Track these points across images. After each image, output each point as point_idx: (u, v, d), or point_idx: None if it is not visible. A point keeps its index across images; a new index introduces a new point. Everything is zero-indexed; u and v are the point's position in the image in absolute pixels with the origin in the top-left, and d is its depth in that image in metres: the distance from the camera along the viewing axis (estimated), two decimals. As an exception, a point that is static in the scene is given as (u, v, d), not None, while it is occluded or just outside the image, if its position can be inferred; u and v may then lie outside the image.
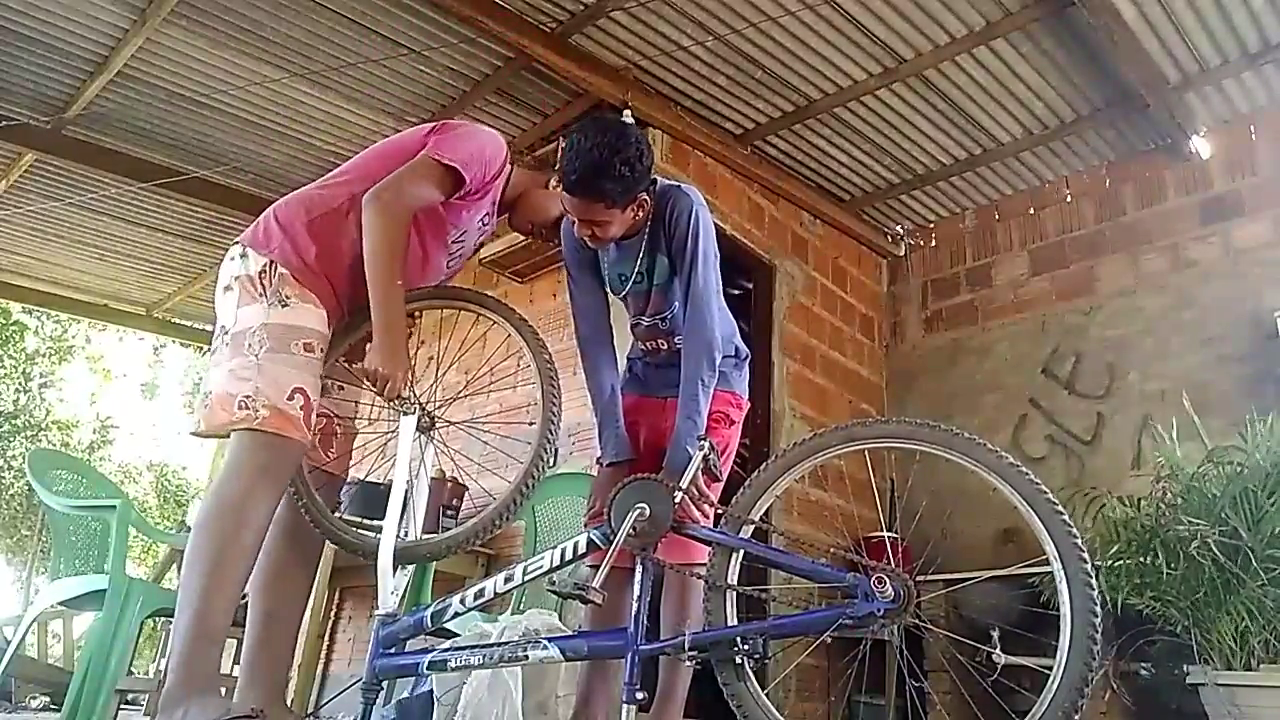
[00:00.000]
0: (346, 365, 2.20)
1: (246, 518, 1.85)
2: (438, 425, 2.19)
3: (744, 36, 4.28)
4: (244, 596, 2.00)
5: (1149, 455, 4.29)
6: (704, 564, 1.87)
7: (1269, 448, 3.17)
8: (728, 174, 5.06)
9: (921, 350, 5.73)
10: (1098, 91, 4.63)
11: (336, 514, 2.26)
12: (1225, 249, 4.68)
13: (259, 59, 4.58)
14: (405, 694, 2.63)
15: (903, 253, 6.00)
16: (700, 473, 1.90)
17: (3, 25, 4.44)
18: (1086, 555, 1.55)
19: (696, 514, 1.92)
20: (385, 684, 2.44)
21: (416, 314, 2.27)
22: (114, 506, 3.02)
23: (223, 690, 1.90)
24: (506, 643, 1.94)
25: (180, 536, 5.10)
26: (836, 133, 5.05)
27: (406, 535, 2.13)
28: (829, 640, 1.70)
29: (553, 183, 2.28)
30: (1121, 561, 3.24)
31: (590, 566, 1.96)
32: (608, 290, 2.30)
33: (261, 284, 2.01)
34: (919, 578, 1.80)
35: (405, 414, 2.07)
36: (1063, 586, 1.54)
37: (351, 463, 2.36)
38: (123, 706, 3.28)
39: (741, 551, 1.84)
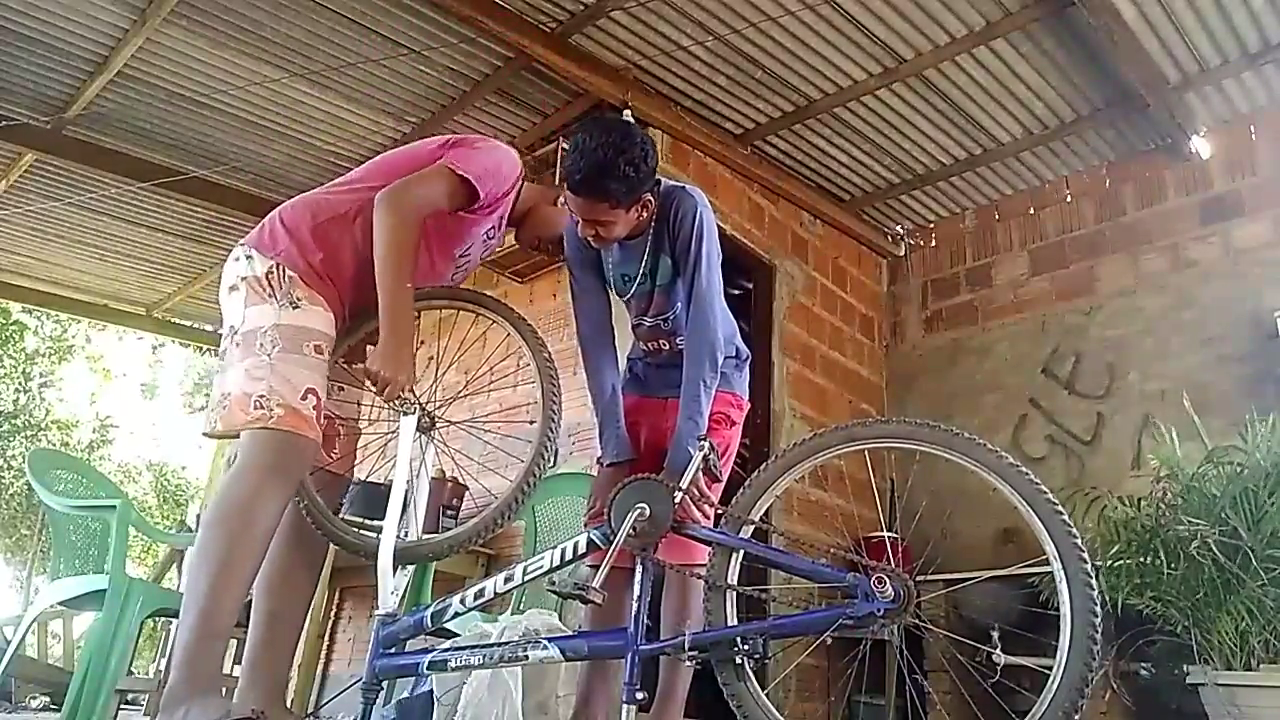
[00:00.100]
0: (347, 366, 2.21)
1: (256, 517, 1.84)
2: (438, 425, 2.19)
3: (744, 36, 4.28)
4: (247, 597, 2.00)
5: (1149, 455, 4.29)
6: (704, 564, 1.87)
7: (1269, 448, 3.17)
8: (728, 174, 5.06)
9: (921, 350, 5.73)
10: (1098, 91, 4.63)
11: (338, 515, 2.25)
12: (1225, 249, 4.68)
13: (259, 59, 4.58)
14: (405, 694, 2.63)
15: (903, 253, 6.00)
16: (700, 473, 1.90)
17: (3, 25, 4.44)
18: (1086, 555, 1.55)
19: (697, 514, 1.92)
20: (385, 684, 2.44)
21: (416, 314, 2.27)
22: (114, 506, 3.02)
23: (223, 690, 1.90)
24: (506, 643, 1.94)
25: (180, 536, 5.12)
26: (836, 133, 5.05)
27: (407, 535, 2.13)
28: (829, 640, 1.70)
29: (561, 201, 2.29)
30: (1121, 561, 3.24)
31: (590, 566, 1.96)
32: (610, 291, 2.30)
33: (270, 285, 2.00)
34: (919, 578, 1.80)
35: (405, 414, 2.07)
36: (1063, 586, 1.54)
37: (353, 465, 2.35)
38: (123, 706, 3.28)
39: (741, 551, 1.84)
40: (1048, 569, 1.58)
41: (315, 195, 2.21)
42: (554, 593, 1.85)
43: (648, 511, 1.82)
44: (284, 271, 2.02)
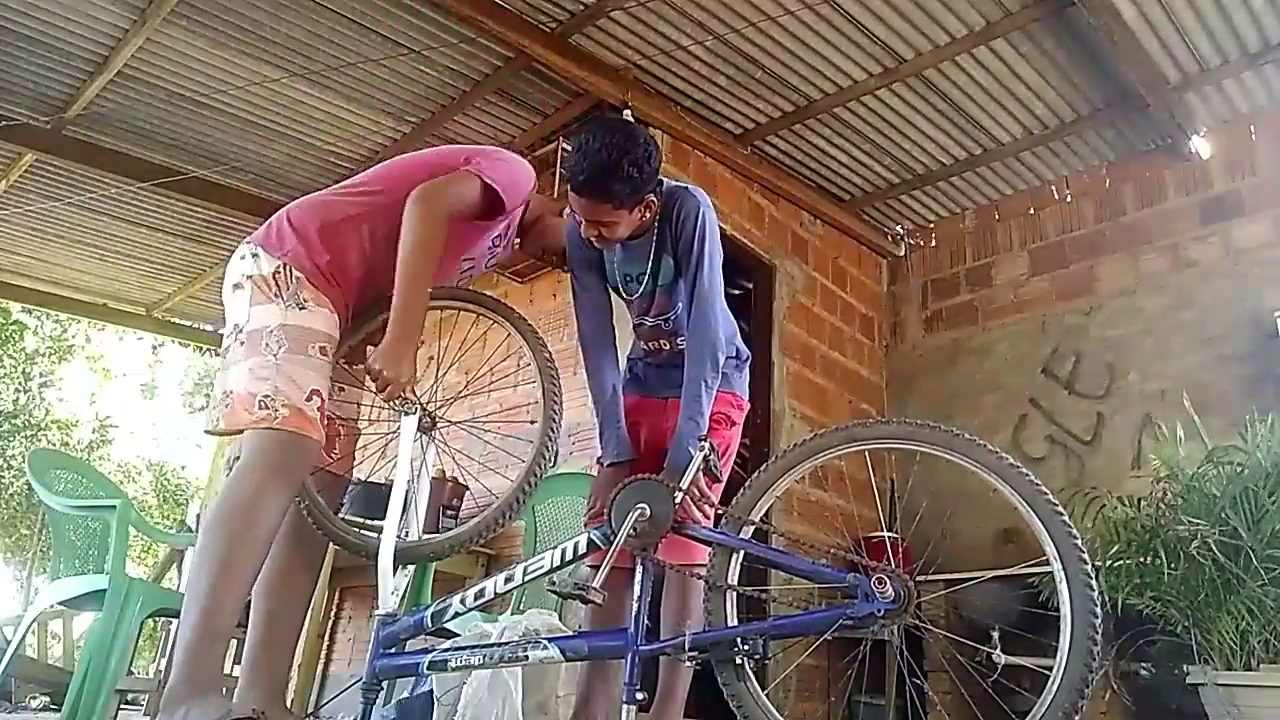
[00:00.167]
0: (347, 367, 2.21)
1: (258, 517, 1.84)
2: (439, 425, 2.19)
3: (744, 36, 4.28)
4: (249, 597, 2.00)
5: (1149, 455, 4.29)
6: (704, 564, 1.87)
7: (1269, 448, 3.17)
8: (728, 174, 5.06)
9: (921, 350, 5.73)
10: (1098, 91, 4.63)
11: (339, 515, 2.25)
12: (1225, 249, 4.68)
13: (259, 59, 4.58)
14: (405, 694, 2.63)
15: (903, 253, 6.00)
16: (701, 474, 1.90)
17: (3, 25, 4.44)
18: (1086, 556, 1.55)
19: (697, 514, 1.92)
20: (385, 684, 2.44)
21: None
22: (114, 506, 3.02)
23: (224, 690, 1.90)
24: (506, 643, 1.94)
25: (180, 536, 5.12)
26: (836, 133, 5.05)
27: (407, 535, 2.13)
28: (829, 640, 1.70)
29: (567, 212, 2.29)
30: (1122, 562, 3.24)
31: (590, 566, 1.96)
32: (611, 291, 2.29)
33: (276, 284, 2.00)
34: (919, 578, 1.80)
35: (406, 414, 2.07)
36: (1063, 587, 1.54)
37: (353, 466, 2.35)
38: (123, 706, 3.28)
39: (742, 552, 1.84)
40: (1048, 569, 1.58)
41: (324, 196, 2.20)
42: (554, 593, 1.85)
43: (648, 512, 1.82)
44: (291, 272, 2.01)
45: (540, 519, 3.57)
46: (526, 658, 1.86)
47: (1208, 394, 4.24)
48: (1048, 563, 1.58)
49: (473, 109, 4.93)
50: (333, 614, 5.28)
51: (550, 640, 1.87)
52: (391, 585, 2.02)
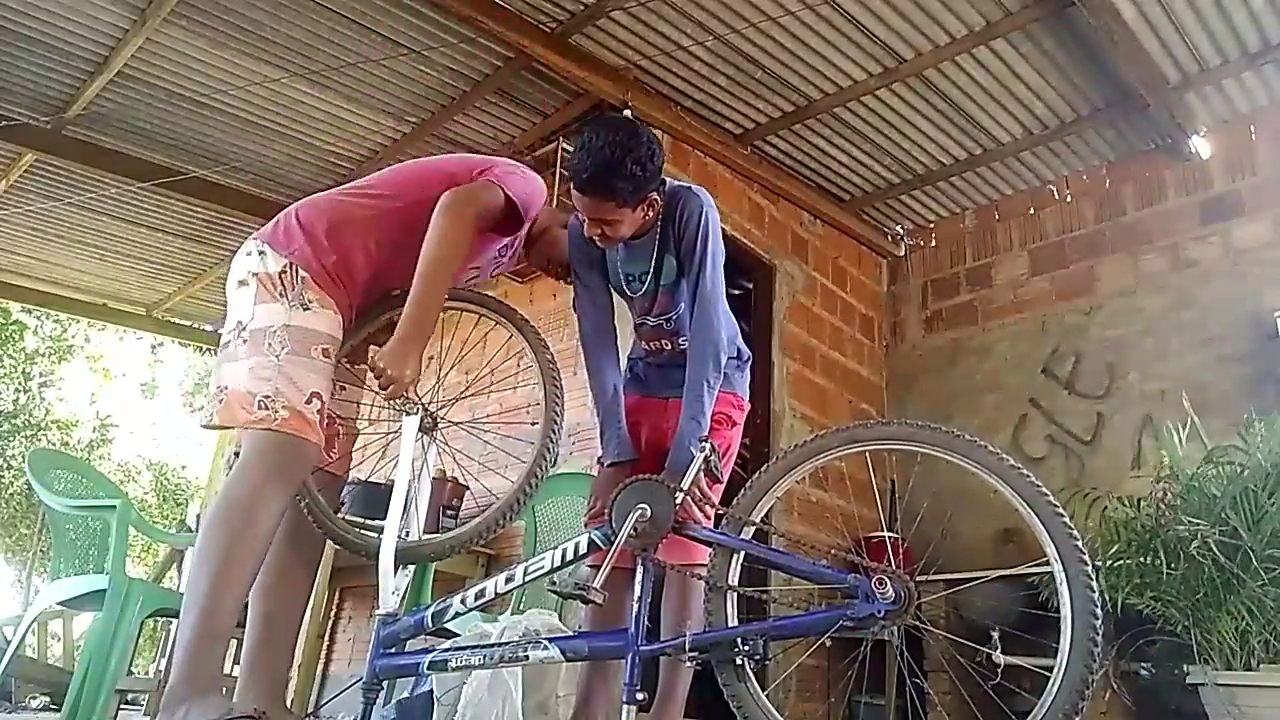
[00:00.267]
0: (349, 367, 2.21)
1: (257, 517, 1.84)
2: (440, 425, 2.19)
3: (744, 36, 4.28)
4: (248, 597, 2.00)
5: (1149, 455, 4.29)
6: (705, 565, 1.87)
7: (1269, 448, 3.17)
8: (728, 174, 5.06)
9: (921, 350, 5.73)
10: (1098, 91, 4.63)
11: (339, 514, 2.25)
12: (1225, 249, 4.68)
13: (259, 59, 4.58)
14: (405, 694, 2.63)
15: (903, 253, 6.00)
16: (702, 474, 1.90)
17: (3, 25, 4.44)
18: (1087, 556, 1.55)
19: (698, 515, 1.92)
20: (385, 684, 2.44)
21: None
22: (114, 506, 3.02)
23: (224, 690, 1.90)
24: (507, 643, 1.94)
25: (180, 536, 5.12)
26: (836, 133, 5.05)
27: (408, 535, 2.13)
28: (829, 641, 1.70)
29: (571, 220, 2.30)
30: (1122, 562, 3.25)
31: (591, 567, 1.95)
32: (613, 291, 2.29)
33: (282, 284, 2.00)
34: (919, 578, 1.80)
35: (408, 414, 2.07)
36: (1063, 587, 1.54)
37: (353, 463, 2.35)
38: (123, 706, 3.28)
39: (742, 553, 1.84)
40: (1048, 570, 1.58)
41: (332, 197, 2.20)
42: (554, 593, 1.85)
43: (649, 512, 1.82)
44: (297, 272, 2.01)
45: (540, 519, 3.57)
46: (526, 658, 1.86)
47: (1208, 394, 4.24)
48: (1048, 563, 1.58)
49: (473, 109, 4.93)
50: (333, 614, 5.28)
51: (550, 640, 1.87)
52: (392, 585, 2.02)
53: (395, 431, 2.12)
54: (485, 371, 2.39)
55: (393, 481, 2.07)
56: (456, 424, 2.29)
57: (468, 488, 4.33)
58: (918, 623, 1.74)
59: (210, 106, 4.97)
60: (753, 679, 1.73)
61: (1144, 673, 3.70)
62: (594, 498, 2.19)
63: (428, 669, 1.99)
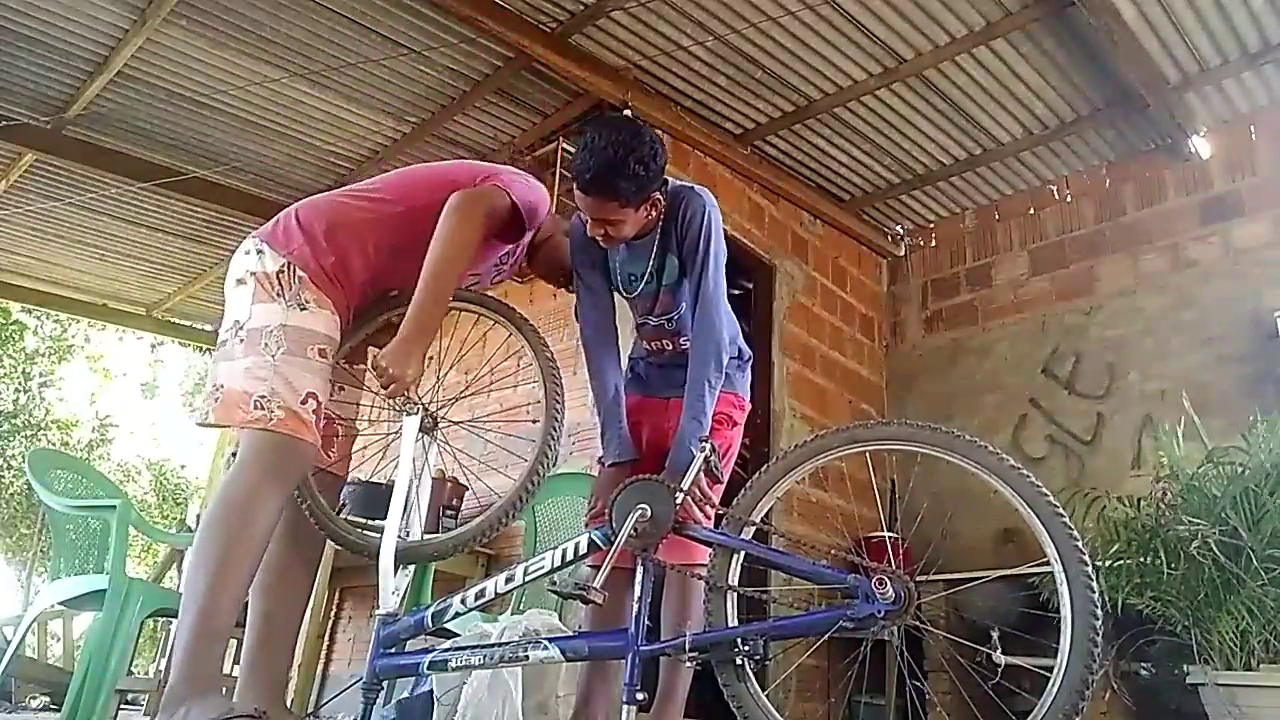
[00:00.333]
0: (347, 367, 2.21)
1: (254, 516, 1.84)
2: (440, 425, 2.19)
3: (744, 36, 4.28)
4: (246, 596, 2.00)
5: (1149, 455, 4.29)
6: (705, 565, 1.87)
7: (1270, 448, 3.17)
8: (728, 174, 5.06)
9: (921, 350, 5.73)
10: (1098, 91, 4.63)
11: (340, 514, 2.25)
12: (1225, 249, 4.68)
13: (259, 59, 4.58)
14: (405, 694, 2.63)
15: (903, 253, 6.00)
16: (702, 474, 1.90)
17: (3, 25, 4.44)
18: (1087, 556, 1.55)
19: (699, 515, 1.92)
20: (385, 684, 2.44)
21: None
22: (114, 506, 3.02)
23: (223, 690, 1.90)
24: (507, 643, 1.94)
25: (180, 536, 5.11)
26: (836, 133, 5.05)
27: (408, 535, 2.13)
28: (829, 641, 1.70)
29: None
30: (1122, 562, 3.25)
31: (592, 567, 1.95)
32: (614, 291, 2.29)
33: (280, 283, 2.00)
34: (919, 579, 1.80)
35: (409, 414, 2.07)
36: (1063, 587, 1.54)
37: (353, 464, 2.36)
38: (123, 706, 3.28)
39: (742, 553, 1.84)
40: (1048, 570, 1.58)
41: (333, 198, 2.20)
42: (554, 593, 1.85)
43: (649, 512, 1.82)
44: (294, 271, 2.01)
45: (540, 519, 3.57)
46: (526, 658, 1.86)
47: (1208, 394, 4.24)
48: (1048, 563, 1.58)
49: (473, 109, 4.93)
50: (333, 614, 5.28)
51: (550, 640, 1.87)
52: (392, 585, 2.02)
53: (395, 432, 2.12)
54: (485, 371, 2.39)
55: (393, 481, 2.07)
56: (457, 424, 2.29)
57: (468, 487, 4.33)
58: (918, 623, 1.74)
59: (210, 106, 4.97)
60: (753, 679, 1.73)
61: (1144, 673, 3.70)
62: (595, 498, 2.19)
63: (428, 669, 1.99)
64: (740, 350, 2.32)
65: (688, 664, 1.97)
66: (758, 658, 1.71)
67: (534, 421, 2.11)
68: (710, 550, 1.88)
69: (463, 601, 1.95)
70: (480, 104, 4.88)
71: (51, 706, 4.58)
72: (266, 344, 1.94)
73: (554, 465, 2.13)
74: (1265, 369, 4.30)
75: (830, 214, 5.61)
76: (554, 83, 4.66)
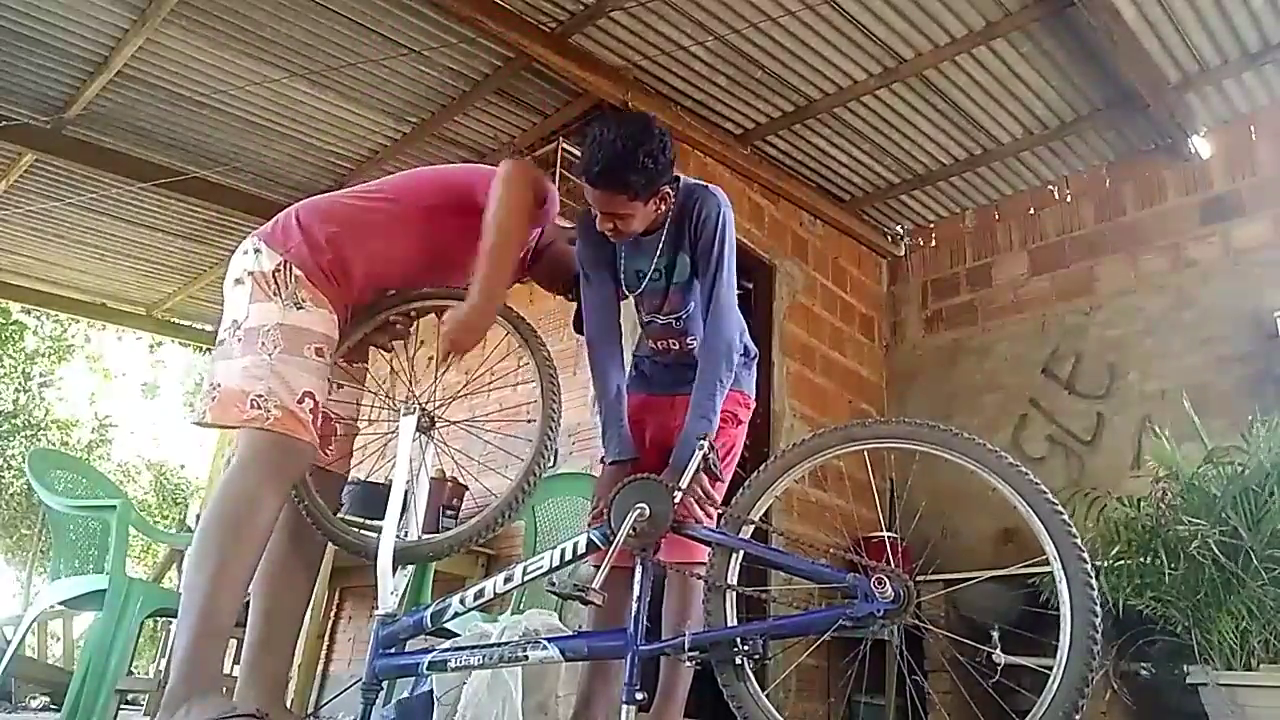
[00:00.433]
0: (346, 366, 2.20)
1: (253, 516, 1.84)
2: (438, 425, 2.19)
3: (744, 36, 4.28)
4: (245, 596, 2.00)
5: (1148, 456, 4.29)
6: (704, 563, 1.87)
7: (1270, 447, 3.17)
8: (728, 174, 5.05)
9: (921, 350, 5.73)
10: (1098, 91, 4.63)
11: (338, 514, 2.25)
12: (1225, 249, 4.68)
13: (259, 59, 4.58)
14: (405, 694, 2.63)
15: (903, 253, 6.00)
16: (702, 473, 1.89)
17: (3, 25, 4.44)
18: (1086, 555, 1.55)
19: (699, 513, 1.92)
20: (385, 684, 2.44)
21: (411, 315, 2.27)
22: (114, 506, 3.02)
23: (224, 690, 1.90)
24: (506, 643, 1.94)
25: (180, 536, 5.12)
26: (836, 133, 5.05)
27: (407, 535, 2.13)
28: (829, 640, 1.70)
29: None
30: (1122, 562, 3.25)
31: (594, 566, 1.95)
32: (620, 289, 2.28)
33: (276, 282, 2.00)
34: (919, 578, 1.80)
35: (406, 414, 2.07)
36: (1063, 586, 1.54)
37: (353, 463, 2.35)
38: (123, 706, 3.28)
39: (741, 552, 1.84)
40: (1048, 569, 1.58)
41: (334, 198, 2.21)
42: (554, 593, 1.85)
43: (647, 511, 1.81)
44: (291, 270, 2.01)
45: (540, 519, 3.57)
46: (526, 658, 1.86)
47: (1208, 394, 4.24)
48: (1047, 562, 1.58)
49: (473, 109, 4.93)
50: (333, 614, 5.28)
51: (550, 640, 1.87)
52: (391, 585, 2.02)
53: (393, 431, 2.11)
54: (483, 371, 2.39)
55: (391, 481, 2.07)
56: (455, 423, 2.29)
57: (467, 487, 4.34)
58: (917, 622, 1.74)
59: (210, 106, 4.97)
60: (752, 679, 1.73)
61: (1144, 673, 3.69)
62: (596, 497, 2.19)
63: (427, 669, 1.99)
64: (746, 348, 2.31)
65: (687, 663, 1.97)
66: (757, 657, 1.71)
67: (530, 421, 2.11)
68: (710, 549, 1.87)
69: (462, 601, 1.95)
70: (480, 104, 4.88)
71: (51, 706, 4.58)
72: (264, 343, 1.94)
73: (551, 466, 2.13)
74: (1265, 369, 4.30)
75: (830, 214, 5.61)
76: (554, 83, 4.66)
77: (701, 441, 1.89)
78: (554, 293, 2.48)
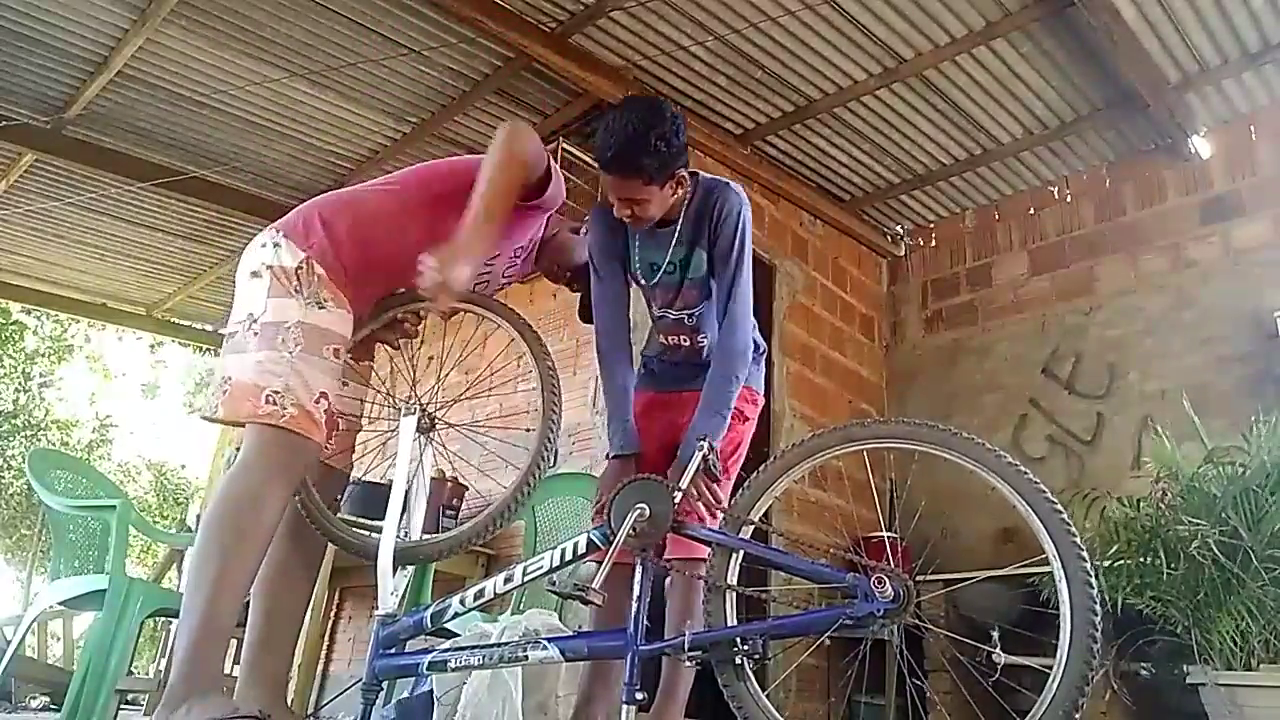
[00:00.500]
0: (352, 364, 2.20)
1: (258, 515, 1.82)
2: (438, 426, 2.19)
3: (744, 36, 4.28)
4: (246, 596, 1.99)
5: (1147, 456, 4.29)
6: (704, 560, 1.86)
7: (1270, 447, 3.17)
8: (727, 174, 5.04)
9: (921, 350, 5.73)
10: (1098, 91, 4.63)
11: (336, 511, 2.24)
12: (1225, 249, 4.68)
13: (259, 59, 4.58)
14: (405, 694, 2.63)
15: (903, 253, 6.01)
16: (701, 473, 1.89)
17: (3, 25, 4.44)
18: (1086, 554, 1.55)
19: (701, 512, 1.91)
20: (385, 684, 2.44)
21: (420, 314, 2.26)
22: (114, 506, 3.02)
23: (224, 690, 1.89)
24: (506, 643, 1.94)
25: (180, 536, 5.12)
26: (836, 133, 5.05)
27: (406, 536, 2.13)
28: (829, 640, 1.70)
29: (583, 230, 2.29)
30: (1122, 561, 3.24)
31: (596, 564, 1.95)
32: (630, 283, 2.26)
33: (298, 279, 1.97)
34: (919, 578, 1.80)
35: (406, 414, 2.07)
36: (1062, 586, 1.54)
37: (352, 461, 2.35)
38: (123, 706, 3.28)
39: (741, 552, 1.84)
40: (1047, 568, 1.57)
41: (357, 192, 2.19)
42: (554, 593, 1.85)
43: (647, 511, 1.81)
44: (313, 268, 1.98)
45: (540, 519, 3.57)
46: (526, 658, 1.86)
47: (1208, 394, 4.24)
48: (1047, 562, 1.58)
49: (473, 109, 4.93)
50: (333, 614, 5.28)
51: (550, 640, 1.86)
52: (391, 585, 2.02)
53: (394, 431, 2.11)
54: (485, 373, 2.38)
55: (391, 481, 2.07)
56: (454, 425, 2.29)
57: (467, 488, 4.34)
58: (917, 622, 1.73)
59: (210, 106, 4.97)
60: (753, 679, 1.73)
61: (1144, 673, 3.69)
62: (599, 492, 2.18)
63: (427, 669, 1.99)
64: (755, 343, 2.30)
65: (687, 663, 1.97)
66: (757, 657, 1.71)
67: (528, 431, 2.10)
68: (710, 548, 1.87)
69: (462, 602, 1.94)
70: (480, 104, 4.89)
71: (51, 706, 4.58)
72: (284, 339, 1.92)
73: (551, 467, 2.13)
74: (1265, 369, 4.30)
75: (830, 214, 5.61)
76: (554, 83, 4.66)
77: (701, 443, 1.89)
78: (556, 281, 2.46)
